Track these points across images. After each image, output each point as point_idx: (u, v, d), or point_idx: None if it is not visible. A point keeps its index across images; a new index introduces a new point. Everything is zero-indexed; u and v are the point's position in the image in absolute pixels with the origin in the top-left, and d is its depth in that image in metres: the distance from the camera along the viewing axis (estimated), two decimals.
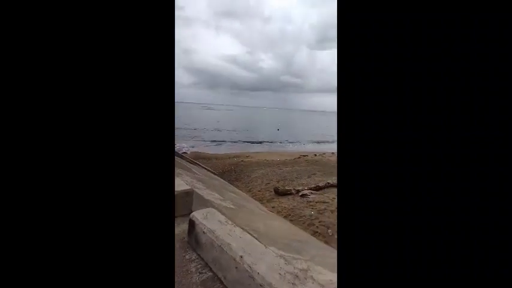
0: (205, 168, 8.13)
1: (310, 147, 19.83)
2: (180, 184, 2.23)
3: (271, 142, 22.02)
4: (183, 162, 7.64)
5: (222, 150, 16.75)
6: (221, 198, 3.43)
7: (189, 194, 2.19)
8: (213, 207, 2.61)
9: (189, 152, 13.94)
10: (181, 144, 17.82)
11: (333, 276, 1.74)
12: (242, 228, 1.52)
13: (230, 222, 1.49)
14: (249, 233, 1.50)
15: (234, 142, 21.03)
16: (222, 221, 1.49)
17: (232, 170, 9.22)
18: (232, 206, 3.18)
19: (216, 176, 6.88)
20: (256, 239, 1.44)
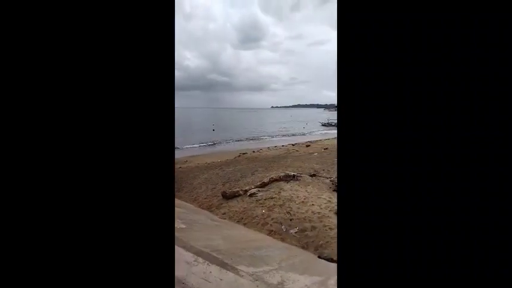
0: None
1: (247, 144, 20.29)
2: None
3: (209, 144, 21.39)
4: None
5: None
6: None
7: None
8: None
9: None
10: None
11: (306, 280, 1.73)
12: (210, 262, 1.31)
13: (201, 260, 1.25)
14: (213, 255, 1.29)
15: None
16: (189, 262, 1.23)
17: None
18: (182, 226, 2.83)
19: None
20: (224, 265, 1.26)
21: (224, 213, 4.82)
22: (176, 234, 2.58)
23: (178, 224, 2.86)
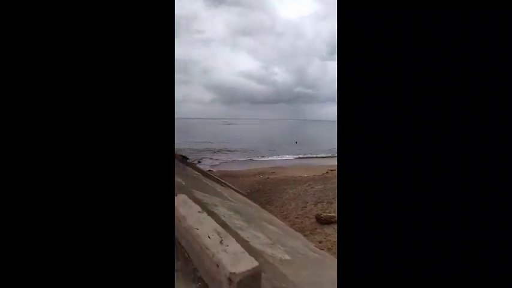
0: (234, 190, 7.53)
1: (334, 161, 18.69)
2: (241, 257, 1.29)
3: (295, 157, 21.08)
4: (208, 182, 7.11)
5: (245, 166, 16.19)
6: (269, 242, 2.75)
7: (256, 277, 1.21)
8: (268, 263, 1.96)
9: (214, 170, 13.52)
10: (205, 162, 17.59)
11: None
12: None
13: None
14: None
15: (254, 156, 20.44)
16: None
17: (260, 190, 8.51)
18: (287, 257, 2.48)
19: (248, 200, 6.21)
20: None
21: (321, 242, 4.24)
22: (280, 269, 2.27)
23: (281, 254, 2.54)
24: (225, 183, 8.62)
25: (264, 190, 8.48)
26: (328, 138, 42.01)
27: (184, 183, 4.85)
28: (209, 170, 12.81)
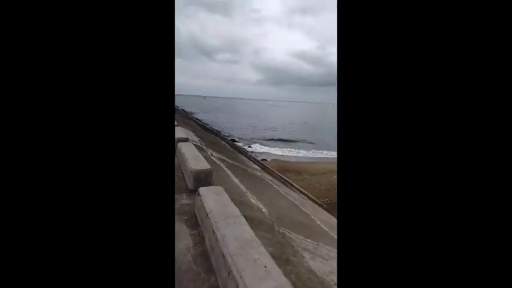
0: (309, 197, 5.61)
1: None
2: None
3: None
4: (266, 176, 5.35)
5: (302, 156, 14.09)
6: None
7: None
8: None
9: (269, 160, 11.85)
10: (254, 145, 16.14)
11: None
12: None
13: None
14: None
15: (310, 143, 17.99)
16: None
17: None
18: None
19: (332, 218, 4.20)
20: None
21: None
22: None
23: None
24: (284, 179, 6.79)
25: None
26: None
27: (238, 182, 3.13)
28: (263, 159, 11.17)
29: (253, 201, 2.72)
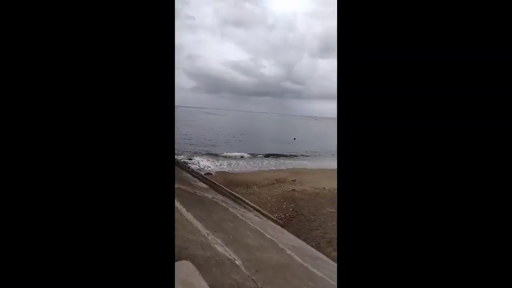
0: (263, 214, 5.09)
1: None
2: None
3: (301, 156, 18.86)
4: (218, 197, 4.64)
5: (248, 167, 13.68)
6: None
7: None
8: None
9: (213, 173, 10.84)
10: (195, 158, 14.79)
11: None
12: None
13: None
14: None
15: (253, 155, 17.87)
16: None
17: (299, 214, 6.16)
18: None
19: (308, 246, 3.80)
20: None
21: None
22: None
23: None
24: (233, 194, 6.15)
25: (303, 214, 6.13)
26: (324, 134, 40.39)
27: (193, 218, 2.37)
28: (207, 173, 10.17)
29: (221, 250, 1.94)
